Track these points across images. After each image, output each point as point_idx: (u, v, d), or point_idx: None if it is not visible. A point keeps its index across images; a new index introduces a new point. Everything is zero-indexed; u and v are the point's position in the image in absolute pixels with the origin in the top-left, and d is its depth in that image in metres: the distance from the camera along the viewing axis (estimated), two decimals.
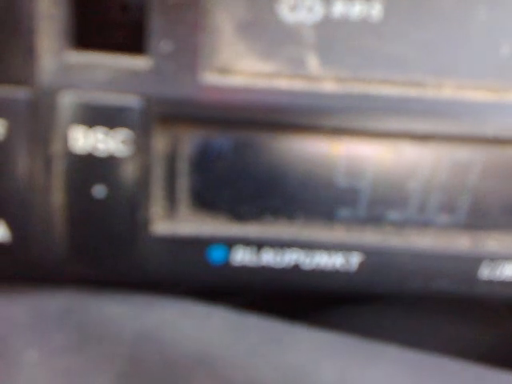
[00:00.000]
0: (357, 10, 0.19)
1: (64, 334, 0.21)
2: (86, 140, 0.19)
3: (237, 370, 0.20)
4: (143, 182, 0.20)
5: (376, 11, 0.19)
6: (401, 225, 0.23)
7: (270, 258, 0.22)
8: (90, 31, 0.19)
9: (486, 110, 0.20)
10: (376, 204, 0.22)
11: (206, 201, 0.22)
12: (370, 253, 0.23)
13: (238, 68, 0.19)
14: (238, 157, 0.21)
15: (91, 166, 0.20)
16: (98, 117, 0.19)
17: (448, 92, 0.20)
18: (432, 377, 0.22)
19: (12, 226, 0.20)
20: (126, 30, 0.19)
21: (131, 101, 0.19)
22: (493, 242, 0.23)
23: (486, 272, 0.23)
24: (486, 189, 0.22)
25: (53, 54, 0.18)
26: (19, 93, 0.18)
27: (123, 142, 0.19)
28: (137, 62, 0.19)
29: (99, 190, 0.20)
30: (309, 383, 0.20)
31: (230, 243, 0.22)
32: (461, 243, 0.23)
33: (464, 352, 0.29)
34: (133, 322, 0.21)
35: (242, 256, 0.22)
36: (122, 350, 0.20)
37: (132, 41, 0.19)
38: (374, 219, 0.23)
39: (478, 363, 0.23)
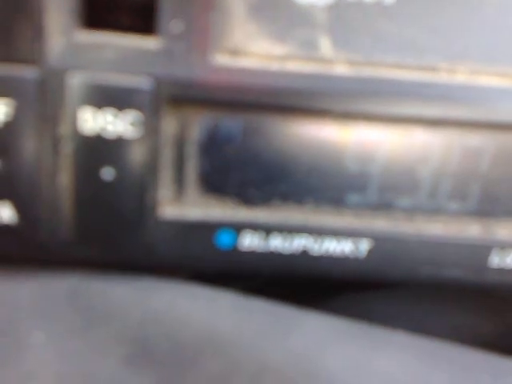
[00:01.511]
0: None
1: (71, 316, 0.21)
2: (94, 121, 0.19)
3: (244, 352, 0.20)
4: (152, 165, 0.20)
5: None
6: (411, 211, 0.23)
7: (278, 243, 0.22)
8: (99, 11, 0.18)
9: (499, 95, 0.20)
10: (386, 190, 0.22)
11: (214, 184, 0.22)
12: (379, 239, 0.22)
13: (250, 50, 0.19)
14: (247, 140, 0.21)
15: (100, 148, 0.19)
16: (108, 98, 0.19)
17: (461, 77, 0.20)
18: (440, 363, 0.21)
19: (19, 207, 0.20)
20: (137, 11, 0.19)
21: (141, 82, 0.19)
22: (504, 230, 0.23)
23: (496, 260, 0.23)
24: (497, 175, 0.22)
25: (62, 33, 0.18)
26: (27, 72, 0.18)
27: (132, 123, 0.19)
28: (147, 43, 0.19)
29: (108, 172, 0.20)
30: (316, 367, 0.20)
31: (238, 228, 0.22)
32: (471, 230, 0.23)
33: (469, 339, 0.29)
34: (140, 304, 0.21)
35: (250, 241, 0.22)
36: (129, 332, 0.20)
37: (142, 21, 0.18)
38: (384, 205, 0.22)
39: (484, 350, 0.23)
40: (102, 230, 0.21)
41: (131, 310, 0.21)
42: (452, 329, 0.32)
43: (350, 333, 0.22)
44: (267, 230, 0.22)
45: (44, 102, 0.19)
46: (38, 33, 0.18)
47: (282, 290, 0.25)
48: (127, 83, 0.19)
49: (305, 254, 0.22)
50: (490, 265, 0.23)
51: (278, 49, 0.19)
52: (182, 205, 0.22)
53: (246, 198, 0.22)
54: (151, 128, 0.19)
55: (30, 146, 0.19)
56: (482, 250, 0.23)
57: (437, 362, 0.22)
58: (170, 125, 0.20)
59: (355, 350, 0.21)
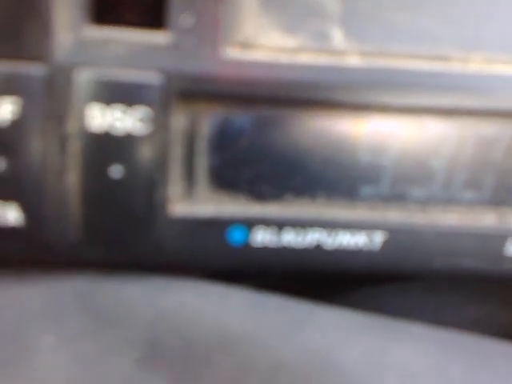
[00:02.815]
0: None
1: (80, 318, 0.20)
2: (103, 118, 0.19)
3: (257, 350, 0.20)
4: (161, 162, 0.20)
5: None
6: (425, 202, 0.22)
7: (291, 238, 0.22)
8: (107, 6, 0.18)
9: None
10: (400, 181, 0.22)
11: (225, 180, 0.21)
12: (393, 231, 0.22)
13: (261, 42, 0.19)
14: (258, 135, 0.20)
15: (108, 145, 0.19)
16: (116, 94, 0.18)
17: (475, 66, 0.19)
18: (456, 353, 0.21)
19: (26, 208, 0.20)
20: (145, 5, 0.18)
21: (150, 77, 0.18)
22: None
23: (511, 250, 0.23)
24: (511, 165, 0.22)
25: (70, 29, 0.17)
26: (34, 69, 0.18)
27: (141, 119, 0.19)
28: (156, 37, 0.18)
29: (116, 170, 0.20)
30: (331, 362, 0.20)
31: (250, 224, 0.21)
32: (486, 220, 0.22)
33: (487, 330, 0.29)
34: (150, 304, 0.21)
35: (262, 237, 0.22)
36: (139, 333, 0.20)
37: (151, 16, 0.18)
38: (398, 197, 0.22)
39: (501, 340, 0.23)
40: (110, 230, 0.21)
41: (142, 311, 0.21)
42: (470, 320, 0.31)
43: (365, 326, 0.22)
44: (280, 225, 0.22)
45: (51, 99, 0.18)
46: (46, 29, 0.17)
47: (297, 285, 0.25)
48: (136, 78, 0.18)
49: (318, 248, 0.22)
50: (505, 254, 0.23)
51: (290, 41, 0.19)
52: (193, 201, 0.21)
53: (257, 193, 0.22)
54: (161, 124, 0.19)
55: (37, 144, 0.19)
56: (497, 239, 0.22)
57: (453, 353, 0.21)
58: (179, 120, 0.19)
59: (370, 343, 0.20)
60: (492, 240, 0.22)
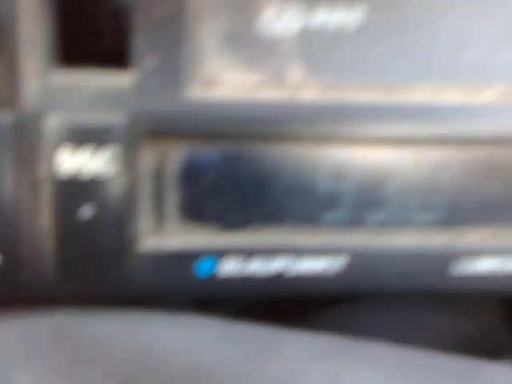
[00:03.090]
0: (335, 21, 0.19)
1: (57, 356, 0.20)
2: (72, 161, 0.19)
3: (227, 381, 0.20)
4: (131, 200, 0.20)
5: (353, 21, 0.19)
6: (383, 225, 0.23)
7: (257, 266, 0.22)
8: (73, 49, 0.18)
9: (460, 111, 0.21)
10: (359, 206, 0.23)
11: (194, 213, 0.22)
12: (354, 254, 0.23)
13: (223, 80, 0.20)
14: (225, 168, 0.21)
15: (78, 187, 0.19)
16: (84, 137, 0.19)
17: (424, 95, 0.21)
18: (414, 371, 0.22)
19: (1, 249, 0.20)
20: (110, 46, 0.19)
21: (117, 118, 0.19)
22: (470, 238, 0.24)
23: (463, 267, 0.24)
24: (462, 187, 0.23)
25: (36, 75, 0.18)
26: (3, 116, 0.18)
27: (109, 160, 0.19)
28: (121, 79, 0.19)
29: (86, 211, 0.20)
30: None
31: (218, 254, 0.22)
32: (439, 240, 0.24)
33: (452, 342, 0.30)
34: (126, 339, 0.21)
35: (230, 266, 0.22)
36: (115, 369, 0.20)
37: (116, 57, 0.19)
38: (358, 221, 0.23)
39: (464, 354, 0.24)
40: (84, 267, 0.21)
41: (117, 346, 0.21)
42: (435, 333, 0.33)
43: (327, 350, 0.22)
44: (247, 253, 0.22)
45: (21, 145, 0.18)
46: (13, 76, 0.17)
47: (271, 308, 0.25)
48: (103, 121, 0.19)
49: (284, 274, 0.23)
50: (458, 272, 0.24)
51: (251, 78, 0.20)
52: (162, 236, 0.22)
53: (225, 223, 0.22)
54: (129, 163, 0.19)
55: (8, 188, 0.19)
56: (451, 257, 0.24)
57: (412, 371, 0.22)
58: (147, 158, 0.20)
59: (333, 367, 0.21)
60: (444, 259, 0.24)
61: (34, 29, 0.17)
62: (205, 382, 0.20)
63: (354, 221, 0.23)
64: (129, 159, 0.19)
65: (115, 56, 0.19)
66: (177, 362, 0.21)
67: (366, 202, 0.23)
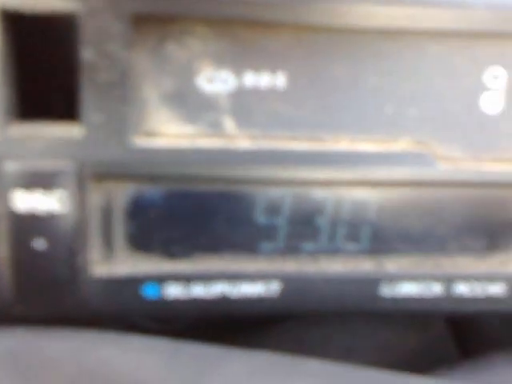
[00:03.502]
0: (264, 81, 0.22)
1: (8, 376, 0.22)
2: (26, 201, 0.21)
3: None
4: (81, 233, 0.23)
5: (280, 81, 0.22)
6: (314, 254, 0.26)
7: (199, 290, 0.25)
8: (29, 103, 0.21)
9: (376, 158, 0.24)
10: (293, 237, 0.26)
11: (140, 244, 0.24)
12: (289, 280, 0.26)
13: (164, 132, 0.22)
14: (167, 205, 0.24)
15: (32, 223, 0.22)
16: (37, 181, 0.21)
17: (344, 145, 0.23)
18: None
19: None
20: (61, 101, 0.21)
21: (66, 165, 0.21)
22: (391, 265, 0.27)
23: (386, 290, 0.27)
24: (383, 221, 0.26)
25: None
26: None
27: (60, 200, 0.22)
28: (71, 131, 0.21)
29: (40, 243, 0.22)
30: None
31: (162, 280, 0.25)
32: (365, 267, 0.26)
33: (397, 355, 0.33)
34: (75, 360, 0.23)
35: (174, 291, 0.25)
36: None
37: (69, 110, 0.21)
38: (292, 250, 0.26)
39: (410, 368, 0.26)
40: (39, 293, 0.23)
41: (66, 366, 0.23)
42: (382, 347, 0.35)
43: (267, 366, 0.25)
44: (189, 279, 0.25)
45: None
46: None
47: (221, 328, 0.27)
48: (54, 167, 0.21)
49: (223, 298, 0.25)
50: (381, 295, 0.27)
51: (189, 129, 0.22)
52: (111, 264, 0.24)
53: (169, 253, 0.25)
54: (78, 203, 0.22)
55: None
56: (375, 282, 0.27)
57: None
58: (96, 198, 0.22)
59: (270, 383, 0.24)
60: (370, 283, 0.26)
61: None
62: None
63: (289, 250, 0.26)
64: (77, 200, 0.22)
65: (69, 110, 0.21)
66: (122, 380, 0.23)
67: (298, 233, 0.26)
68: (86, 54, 0.20)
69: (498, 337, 0.39)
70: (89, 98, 0.21)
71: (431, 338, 0.39)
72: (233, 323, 0.35)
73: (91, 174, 0.22)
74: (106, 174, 0.22)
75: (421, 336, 0.38)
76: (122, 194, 0.23)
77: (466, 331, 0.40)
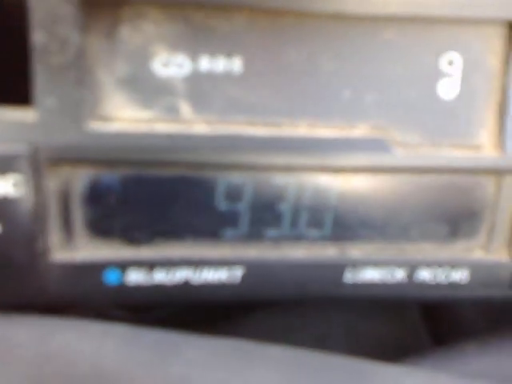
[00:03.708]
0: (220, 65, 0.22)
1: None
2: None
3: (131, 382, 0.22)
4: (38, 218, 0.23)
5: (236, 66, 0.22)
6: (277, 240, 0.26)
7: (161, 276, 0.25)
8: None
9: (334, 144, 0.24)
10: (255, 223, 0.26)
11: (100, 229, 0.24)
12: (251, 266, 0.26)
13: (119, 116, 0.22)
14: (126, 190, 0.24)
15: None
16: None
17: (302, 131, 0.24)
18: (311, 374, 0.24)
19: None
20: (16, 85, 0.21)
21: (20, 149, 0.21)
22: (354, 251, 0.27)
23: (349, 276, 0.27)
24: (345, 207, 0.26)
25: None
26: None
27: (15, 185, 0.22)
28: (25, 115, 0.21)
29: None
30: None
31: (124, 266, 0.25)
32: (328, 253, 0.27)
33: (370, 344, 0.33)
34: (34, 344, 0.23)
35: (135, 277, 0.25)
36: (24, 372, 0.22)
37: (23, 94, 0.21)
38: (254, 237, 0.26)
39: (382, 356, 0.26)
40: None
41: (25, 350, 0.23)
42: (353, 335, 0.35)
43: (228, 352, 0.25)
44: (151, 265, 0.25)
45: None
46: None
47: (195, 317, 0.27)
48: (8, 151, 0.21)
49: (187, 284, 0.26)
50: (345, 281, 0.27)
51: (145, 114, 0.22)
52: (71, 249, 0.24)
53: (130, 238, 0.25)
54: (33, 187, 0.22)
55: None
56: (338, 268, 0.27)
57: (305, 372, 0.24)
58: (52, 183, 0.22)
59: (228, 369, 0.23)
60: (333, 270, 0.27)
61: None
62: (108, 382, 0.22)
63: (251, 236, 0.26)
64: (33, 183, 0.22)
65: (23, 93, 0.21)
66: (83, 365, 0.23)
67: (261, 220, 0.26)
68: (38, 36, 0.20)
69: (471, 325, 0.39)
70: (42, 82, 0.21)
71: (404, 327, 0.39)
72: (200, 313, 0.35)
73: (46, 159, 0.22)
74: (61, 158, 0.22)
75: (394, 324, 0.38)
76: (79, 179, 0.23)
77: (439, 319, 0.40)
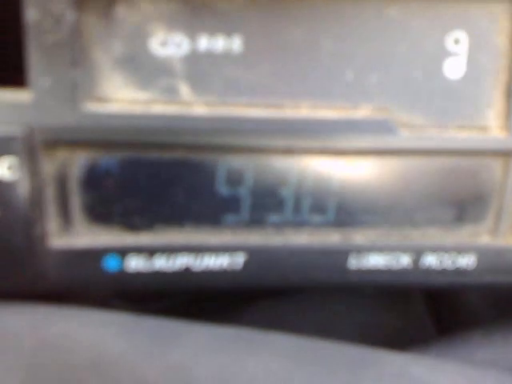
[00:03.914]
0: (220, 45, 0.21)
1: None
2: None
3: (125, 371, 0.22)
4: (36, 202, 0.22)
5: (236, 45, 0.22)
6: (279, 226, 0.26)
7: (162, 263, 0.25)
8: None
9: (337, 126, 0.23)
10: (257, 209, 0.25)
11: (99, 215, 0.24)
12: (253, 252, 0.25)
13: (117, 97, 0.22)
14: (124, 174, 0.23)
15: None
16: None
17: (304, 112, 0.23)
18: (306, 361, 0.23)
19: None
20: (11, 65, 0.21)
21: (14, 131, 0.21)
22: (359, 237, 0.26)
23: (354, 263, 0.26)
24: (348, 192, 0.25)
25: None
26: None
27: (9, 168, 0.21)
28: (20, 96, 0.21)
29: None
30: (189, 378, 0.22)
31: (123, 252, 0.24)
32: (332, 239, 0.26)
33: (375, 335, 0.32)
34: (34, 334, 0.23)
35: (135, 263, 0.24)
36: (22, 360, 0.22)
37: (17, 75, 0.21)
38: (256, 222, 0.25)
39: (386, 345, 0.26)
40: None
41: (25, 340, 0.22)
42: (357, 324, 0.35)
43: (229, 340, 0.24)
44: (151, 252, 0.24)
45: None
46: None
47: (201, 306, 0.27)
48: (2, 133, 0.21)
49: (187, 270, 0.25)
50: (349, 267, 0.26)
51: (142, 95, 0.22)
52: (70, 235, 0.24)
53: (129, 224, 0.24)
54: (29, 170, 0.21)
55: None
56: (342, 255, 0.26)
57: (309, 360, 0.24)
58: (48, 166, 0.22)
59: (228, 357, 0.23)
60: (337, 256, 0.26)
61: None
62: (108, 371, 0.22)
63: (253, 222, 0.26)
64: (29, 166, 0.21)
65: (17, 74, 0.21)
66: (82, 353, 0.22)
67: (263, 205, 0.25)
68: (31, 14, 0.19)
69: (475, 314, 0.39)
70: (36, 61, 0.20)
71: (408, 316, 0.39)
72: (206, 302, 0.34)
73: (42, 141, 0.21)
74: (57, 140, 0.21)
75: (398, 313, 0.38)
76: (76, 162, 0.22)
77: (444, 308, 0.40)
